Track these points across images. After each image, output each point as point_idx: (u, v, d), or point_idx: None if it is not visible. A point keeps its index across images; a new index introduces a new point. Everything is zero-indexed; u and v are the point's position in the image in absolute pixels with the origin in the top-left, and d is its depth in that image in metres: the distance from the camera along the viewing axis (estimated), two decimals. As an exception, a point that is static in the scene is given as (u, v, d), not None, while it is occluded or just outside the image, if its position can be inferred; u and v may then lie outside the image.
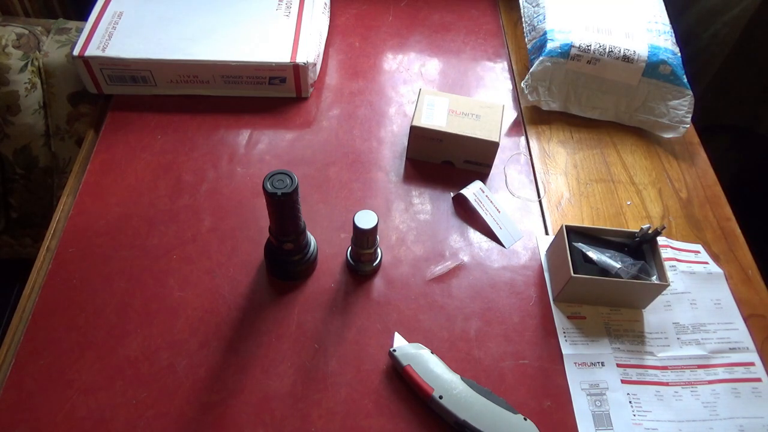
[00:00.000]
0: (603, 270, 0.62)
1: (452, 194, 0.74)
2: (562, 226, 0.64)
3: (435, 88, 0.85)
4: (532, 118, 0.83)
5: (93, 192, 0.71)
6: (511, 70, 0.90)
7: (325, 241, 0.67)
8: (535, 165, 0.78)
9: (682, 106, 0.79)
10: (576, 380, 0.59)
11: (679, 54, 0.81)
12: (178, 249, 0.66)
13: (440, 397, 0.54)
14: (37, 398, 0.55)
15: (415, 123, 0.72)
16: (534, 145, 0.80)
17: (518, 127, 0.82)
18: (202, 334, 0.60)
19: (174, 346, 0.59)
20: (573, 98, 0.82)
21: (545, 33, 0.82)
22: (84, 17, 0.82)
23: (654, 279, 0.62)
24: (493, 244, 0.69)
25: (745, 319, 0.65)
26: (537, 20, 0.86)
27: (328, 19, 0.91)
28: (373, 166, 0.76)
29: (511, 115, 0.84)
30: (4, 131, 0.92)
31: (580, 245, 0.63)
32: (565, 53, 0.79)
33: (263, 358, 0.59)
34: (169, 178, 0.72)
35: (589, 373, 0.60)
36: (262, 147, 0.77)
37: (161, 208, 0.70)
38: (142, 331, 0.60)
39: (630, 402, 0.58)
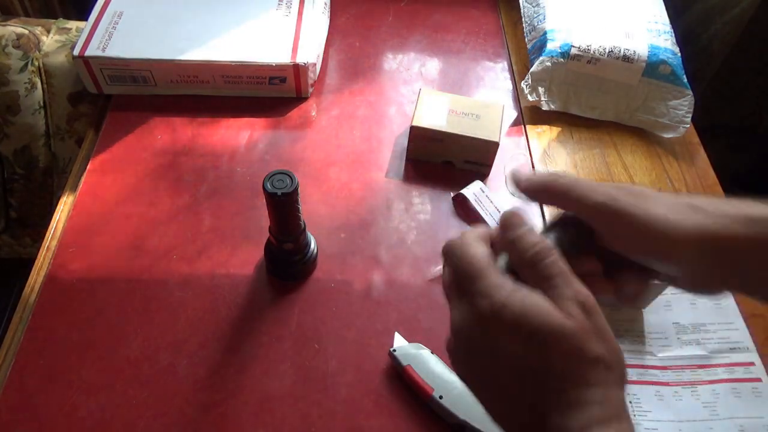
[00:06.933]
0: (603, 270, 0.62)
1: (452, 194, 0.74)
2: (562, 226, 0.64)
3: (435, 88, 0.85)
4: (532, 118, 0.83)
5: (93, 192, 0.71)
6: (511, 70, 0.90)
7: (325, 241, 0.67)
8: (535, 165, 0.78)
9: (682, 106, 0.79)
10: (576, 380, 0.59)
11: (679, 54, 0.81)
12: (178, 249, 0.66)
13: (440, 397, 0.54)
14: (37, 398, 0.55)
15: (415, 123, 0.72)
16: (534, 145, 0.80)
17: (518, 127, 0.82)
18: (202, 334, 0.60)
19: (174, 346, 0.59)
20: (573, 98, 0.82)
21: (545, 33, 0.82)
22: (84, 17, 0.82)
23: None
24: (493, 244, 0.69)
25: (745, 319, 0.65)
26: (537, 20, 0.86)
27: (328, 19, 0.91)
28: (373, 166, 0.76)
29: (511, 115, 0.84)
30: (4, 131, 0.92)
31: (580, 245, 0.63)
32: (565, 53, 0.79)
33: (263, 358, 0.59)
34: (169, 178, 0.72)
35: (589, 373, 0.60)
36: (262, 147, 0.77)
37: (161, 208, 0.69)
38: (142, 331, 0.60)
39: (630, 402, 0.58)
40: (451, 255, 0.34)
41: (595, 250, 0.34)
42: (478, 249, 0.33)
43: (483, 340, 0.31)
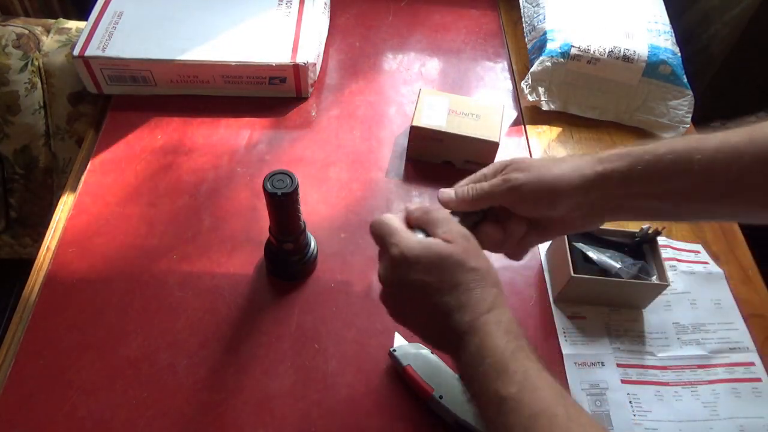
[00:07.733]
0: (603, 270, 0.62)
1: (452, 194, 0.73)
2: (562, 226, 0.64)
3: (435, 88, 0.85)
4: (532, 118, 0.83)
5: (93, 192, 0.71)
6: (511, 70, 0.90)
7: (325, 241, 0.67)
8: (535, 165, 0.78)
9: (682, 106, 0.79)
10: (576, 380, 0.59)
11: (679, 54, 0.81)
12: (178, 249, 0.66)
13: (440, 397, 0.54)
14: (37, 398, 0.55)
15: (415, 123, 0.72)
16: (534, 145, 0.80)
17: (518, 127, 0.82)
18: (202, 334, 0.60)
19: (174, 346, 0.59)
20: (573, 98, 0.82)
21: (545, 33, 0.82)
22: (84, 17, 0.82)
23: (654, 279, 0.62)
24: (493, 244, 0.69)
25: (745, 319, 0.65)
26: (537, 20, 0.86)
27: (328, 19, 0.91)
28: (373, 166, 0.76)
29: (511, 115, 0.84)
30: (4, 131, 0.92)
31: (580, 245, 0.63)
32: (565, 53, 0.79)
33: (263, 358, 0.59)
34: (169, 178, 0.72)
35: (589, 373, 0.60)
36: (262, 147, 0.77)
37: (161, 208, 0.69)
38: (142, 331, 0.60)
39: (630, 402, 0.58)
40: (373, 226, 0.45)
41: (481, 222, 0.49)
42: (389, 217, 0.45)
43: (399, 278, 0.42)
